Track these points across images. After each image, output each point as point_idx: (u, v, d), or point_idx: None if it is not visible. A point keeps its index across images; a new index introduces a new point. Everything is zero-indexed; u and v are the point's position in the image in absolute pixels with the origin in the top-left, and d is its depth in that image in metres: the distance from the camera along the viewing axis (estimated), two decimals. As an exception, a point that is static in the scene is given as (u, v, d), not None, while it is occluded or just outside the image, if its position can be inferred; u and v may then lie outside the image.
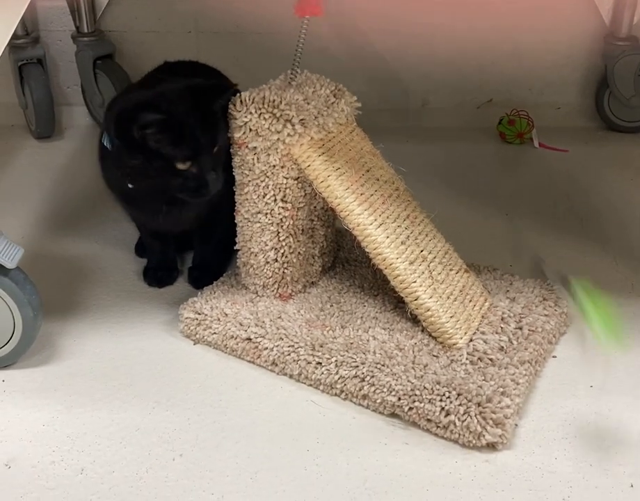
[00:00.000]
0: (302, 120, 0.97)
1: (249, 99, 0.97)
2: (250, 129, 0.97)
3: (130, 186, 1.00)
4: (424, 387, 0.89)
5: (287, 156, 0.98)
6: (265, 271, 1.06)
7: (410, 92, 1.76)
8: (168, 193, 0.99)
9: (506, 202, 1.43)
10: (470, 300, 1.01)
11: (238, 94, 0.98)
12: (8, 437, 0.88)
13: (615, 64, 1.65)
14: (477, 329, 0.99)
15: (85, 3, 1.62)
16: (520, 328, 1.00)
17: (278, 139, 0.97)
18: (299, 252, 1.06)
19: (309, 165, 0.99)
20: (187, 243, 1.21)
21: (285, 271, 1.05)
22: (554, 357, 1.02)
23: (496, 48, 1.71)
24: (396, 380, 0.91)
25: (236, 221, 1.06)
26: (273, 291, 1.07)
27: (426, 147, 1.66)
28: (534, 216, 1.38)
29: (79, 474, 0.83)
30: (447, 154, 1.63)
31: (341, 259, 1.16)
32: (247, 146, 0.99)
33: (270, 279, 1.06)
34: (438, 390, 0.89)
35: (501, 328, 1.00)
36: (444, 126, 1.73)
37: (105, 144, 1.01)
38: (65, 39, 1.68)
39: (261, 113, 0.97)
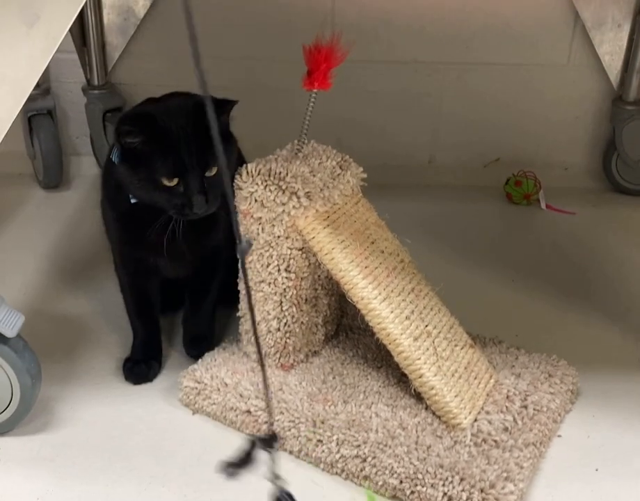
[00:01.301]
0: (307, 192, 0.97)
1: (255, 171, 0.97)
2: (256, 200, 0.97)
3: (132, 200, 1.00)
4: (427, 471, 0.87)
5: (292, 228, 0.98)
6: (267, 340, 1.04)
7: (416, 148, 1.77)
8: (158, 208, 0.97)
9: (512, 266, 1.42)
10: (475, 378, 1.00)
11: (245, 165, 0.98)
12: (1, 511, 0.87)
13: (623, 127, 1.65)
14: (482, 408, 0.97)
15: (97, 56, 1.63)
16: (525, 407, 0.98)
17: (283, 211, 0.97)
18: (302, 322, 1.05)
19: (313, 237, 0.98)
20: (176, 303, 1.18)
21: (287, 340, 1.04)
22: (559, 436, 1.00)
23: (504, 107, 1.72)
24: (399, 462, 0.89)
25: (239, 289, 1.05)
26: (274, 360, 1.05)
27: (432, 206, 1.65)
28: (540, 282, 1.37)
29: (71, 555, 0.81)
30: (453, 213, 1.63)
31: (345, 327, 1.15)
32: (252, 216, 0.98)
33: (272, 348, 1.05)
34: (441, 474, 0.87)
35: (506, 406, 0.98)
36: (450, 184, 1.73)
37: (112, 159, 1.01)
38: (76, 90, 1.69)
39: (267, 185, 0.96)
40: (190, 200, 0.95)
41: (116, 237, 1.09)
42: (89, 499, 0.89)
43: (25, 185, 1.68)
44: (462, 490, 0.86)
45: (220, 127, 0.94)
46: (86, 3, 1.59)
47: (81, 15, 1.60)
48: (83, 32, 1.62)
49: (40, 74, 0.77)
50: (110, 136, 1.65)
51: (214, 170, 0.96)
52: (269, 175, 0.97)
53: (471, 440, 0.93)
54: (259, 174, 0.97)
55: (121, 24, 1.64)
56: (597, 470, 0.95)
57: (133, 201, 1.00)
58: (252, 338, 1.05)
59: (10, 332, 0.91)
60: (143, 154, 0.94)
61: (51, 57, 0.76)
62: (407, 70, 1.69)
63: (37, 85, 1.61)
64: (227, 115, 0.99)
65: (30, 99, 1.59)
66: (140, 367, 1.09)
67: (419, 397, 0.98)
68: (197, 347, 1.12)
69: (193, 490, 0.90)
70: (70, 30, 1.56)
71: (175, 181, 0.95)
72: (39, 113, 1.62)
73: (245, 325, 1.07)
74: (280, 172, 0.97)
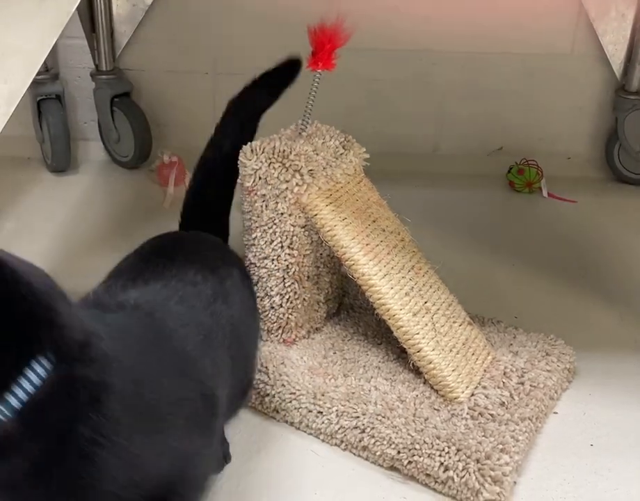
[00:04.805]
0: (310, 170, 0.99)
1: (259, 149, 0.99)
2: (260, 177, 0.99)
3: None
4: (424, 442, 0.89)
5: (295, 205, 1.00)
6: (270, 315, 1.06)
7: (420, 137, 1.78)
8: None
9: (513, 251, 1.43)
10: (473, 354, 1.02)
11: (249, 143, 1.00)
12: None
13: (625, 117, 1.66)
14: (479, 383, 0.99)
15: (105, 42, 1.65)
16: (522, 383, 1.00)
17: (287, 188, 0.99)
18: (304, 298, 1.07)
19: (316, 214, 1.00)
20: None
21: (290, 316, 1.06)
22: (555, 413, 1.02)
23: (507, 96, 1.74)
24: (397, 433, 0.91)
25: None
26: (277, 336, 1.07)
27: (435, 193, 1.67)
28: (540, 267, 1.38)
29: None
30: (456, 200, 1.64)
31: (346, 305, 1.17)
32: (256, 193, 1.00)
33: (275, 324, 1.07)
34: (438, 444, 0.89)
35: (503, 382, 1.00)
36: (454, 172, 1.74)
37: None
38: (84, 75, 1.72)
39: (270, 163, 0.98)
40: None
41: None
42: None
43: (34, 169, 1.70)
44: (459, 461, 0.87)
45: None
46: (96, -11, 1.61)
47: (91, 1, 1.62)
48: (92, 18, 1.64)
49: (51, 47, 0.79)
50: (119, 121, 1.68)
51: None
52: (273, 153, 0.99)
53: (468, 413, 0.94)
54: (263, 152, 0.99)
55: (130, 11, 1.66)
56: (592, 445, 0.97)
57: None
58: (255, 314, 1.08)
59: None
60: None
61: (61, 30, 0.78)
62: (412, 59, 1.71)
63: (46, 70, 1.64)
64: None
65: (39, 83, 1.64)
66: None
67: (417, 372, 1.00)
68: None
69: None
70: (80, 15, 1.61)
71: None
72: (48, 98, 1.64)
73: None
74: (284, 151, 0.99)
